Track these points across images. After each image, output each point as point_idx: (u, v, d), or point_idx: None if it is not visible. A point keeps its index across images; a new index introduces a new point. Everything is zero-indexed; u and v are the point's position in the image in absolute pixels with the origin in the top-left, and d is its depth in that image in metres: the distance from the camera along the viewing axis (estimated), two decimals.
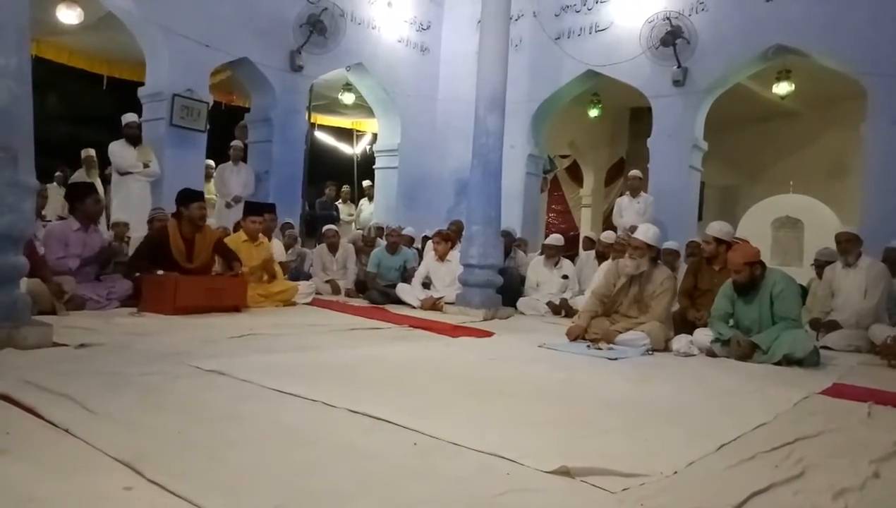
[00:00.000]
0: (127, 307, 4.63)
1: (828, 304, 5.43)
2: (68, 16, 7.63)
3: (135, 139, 6.77)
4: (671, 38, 7.72)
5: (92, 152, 9.11)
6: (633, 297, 4.53)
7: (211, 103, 7.56)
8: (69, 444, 1.71)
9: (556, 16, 8.96)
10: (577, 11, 8.79)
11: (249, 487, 1.49)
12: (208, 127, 7.46)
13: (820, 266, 6.08)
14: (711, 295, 4.37)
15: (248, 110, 8.94)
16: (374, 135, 11.21)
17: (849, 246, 5.22)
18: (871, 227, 6.47)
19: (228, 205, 7.65)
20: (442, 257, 6.42)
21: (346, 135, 13.62)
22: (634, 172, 7.87)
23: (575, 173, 13.46)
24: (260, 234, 5.73)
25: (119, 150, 6.72)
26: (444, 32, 10.15)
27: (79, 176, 8.77)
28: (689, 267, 5.15)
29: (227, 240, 5.62)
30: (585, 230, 11.65)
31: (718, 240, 4.62)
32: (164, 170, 6.93)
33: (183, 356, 2.97)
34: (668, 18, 7.72)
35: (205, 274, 5.06)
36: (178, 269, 4.83)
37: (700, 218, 9.31)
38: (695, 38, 7.69)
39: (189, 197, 5.04)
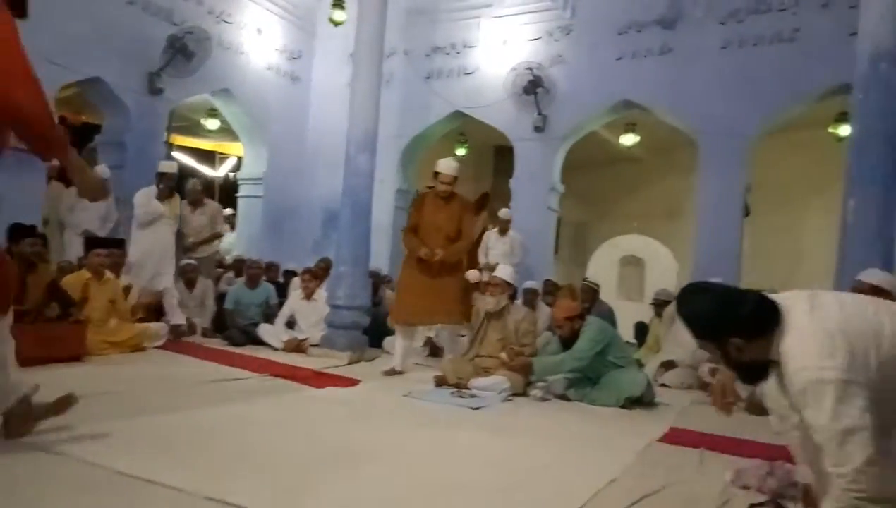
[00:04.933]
0: None
1: (668, 338, 5.95)
2: None
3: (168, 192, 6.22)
4: (532, 86, 8.21)
5: None
6: (496, 336, 4.73)
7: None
8: None
9: (427, 56, 9.21)
10: (447, 54, 9.10)
11: None
12: None
13: (658, 305, 6.68)
14: (434, 229, 4.93)
15: (100, 127, 8.27)
16: (239, 159, 10.83)
17: None
18: (703, 265, 7.27)
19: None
20: (309, 296, 6.30)
21: (208, 157, 13.02)
22: (505, 211, 8.05)
23: None
24: (106, 271, 5.32)
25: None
26: (316, 62, 10.08)
27: None
28: (416, 202, 5.36)
29: (68, 279, 5.14)
30: None
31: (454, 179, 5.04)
32: None
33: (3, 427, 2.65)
34: (530, 68, 8.21)
35: (38, 318, 4.60)
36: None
37: (556, 251, 9.92)
38: (554, 88, 8.24)
39: (21, 232, 4.59)
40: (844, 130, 7.35)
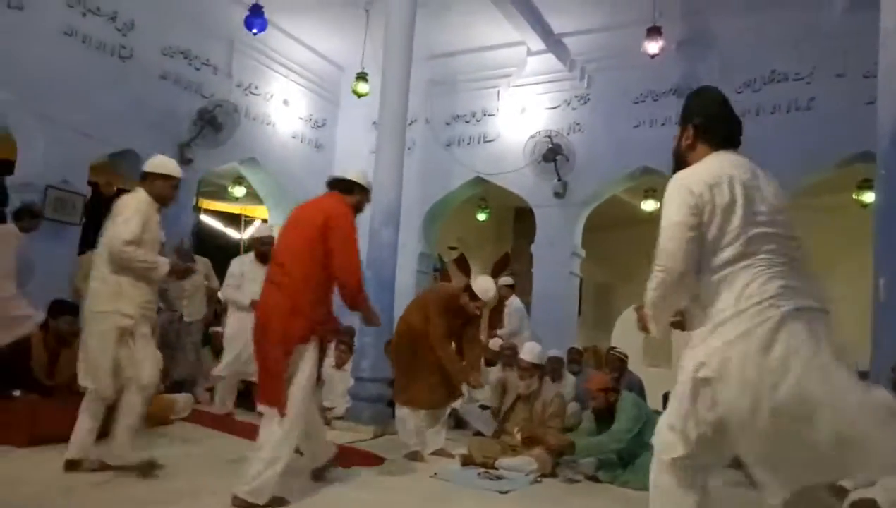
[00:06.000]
0: None
1: None
2: None
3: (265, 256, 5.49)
4: (552, 154, 8.33)
5: None
6: (523, 416, 4.67)
7: (89, 195, 7.16)
8: None
9: (448, 124, 9.43)
10: (467, 122, 9.31)
11: None
12: (84, 219, 7.03)
13: None
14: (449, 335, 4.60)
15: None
16: (264, 221, 11.03)
17: None
18: None
19: None
20: (341, 366, 6.30)
21: (234, 219, 13.29)
22: (503, 279, 7.80)
23: (462, 265, 13.88)
24: None
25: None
26: (339, 130, 10.36)
27: None
28: (441, 308, 4.64)
29: None
30: None
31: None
32: (34, 268, 6.37)
33: None
34: (549, 136, 8.35)
35: (68, 394, 4.64)
36: (36, 386, 4.42)
37: (579, 313, 9.85)
38: (573, 155, 8.35)
39: (59, 309, 4.70)
40: (869, 197, 7.34)
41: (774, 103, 7.41)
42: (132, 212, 3.51)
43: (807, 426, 1.72)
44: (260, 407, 3.29)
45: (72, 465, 3.49)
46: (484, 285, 4.63)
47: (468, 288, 4.62)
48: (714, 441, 1.90)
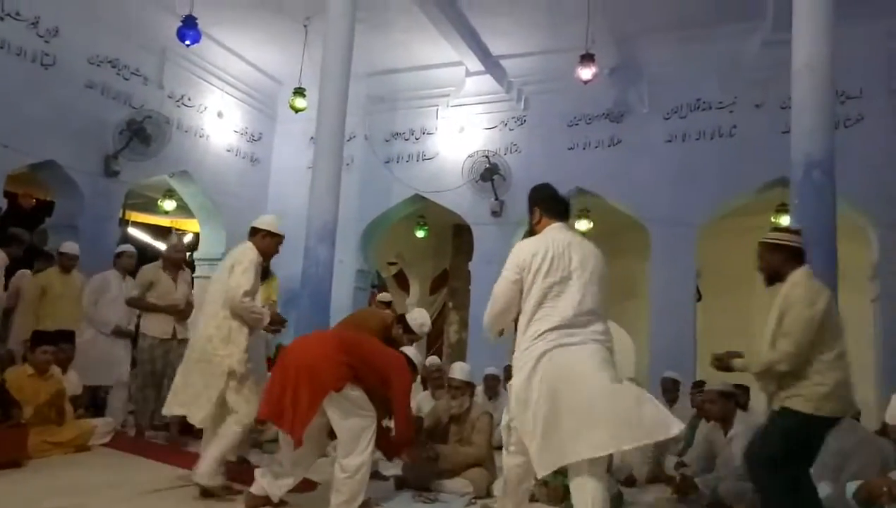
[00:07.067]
0: None
1: None
2: None
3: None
4: (489, 173, 8.46)
5: None
6: (455, 437, 4.65)
7: (5, 206, 6.77)
8: None
9: (386, 141, 9.43)
10: (406, 140, 9.34)
11: None
12: None
13: None
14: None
15: (52, 206, 8.05)
16: (196, 235, 10.70)
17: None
18: (659, 348, 7.43)
19: None
20: None
21: (165, 233, 12.82)
22: (382, 296, 8.02)
23: (402, 281, 13.83)
24: (51, 366, 5.08)
25: None
26: (276, 144, 10.19)
27: None
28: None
29: (9, 375, 4.90)
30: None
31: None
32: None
33: None
34: (486, 156, 8.48)
35: None
36: None
37: (515, 330, 9.94)
38: (509, 175, 8.50)
39: None
40: (785, 220, 7.74)
41: (700, 130, 7.78)
42: (249, 264, 3.82)
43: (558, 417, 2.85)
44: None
45: None
46: (419, 320, 4.54)
47: (402, 320, 4.55)
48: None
